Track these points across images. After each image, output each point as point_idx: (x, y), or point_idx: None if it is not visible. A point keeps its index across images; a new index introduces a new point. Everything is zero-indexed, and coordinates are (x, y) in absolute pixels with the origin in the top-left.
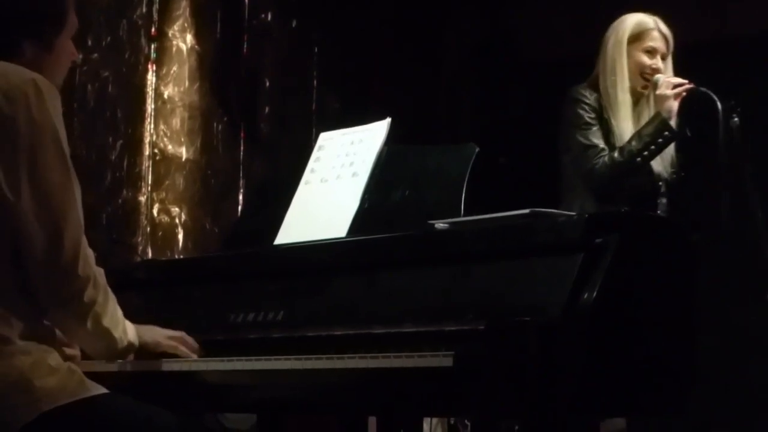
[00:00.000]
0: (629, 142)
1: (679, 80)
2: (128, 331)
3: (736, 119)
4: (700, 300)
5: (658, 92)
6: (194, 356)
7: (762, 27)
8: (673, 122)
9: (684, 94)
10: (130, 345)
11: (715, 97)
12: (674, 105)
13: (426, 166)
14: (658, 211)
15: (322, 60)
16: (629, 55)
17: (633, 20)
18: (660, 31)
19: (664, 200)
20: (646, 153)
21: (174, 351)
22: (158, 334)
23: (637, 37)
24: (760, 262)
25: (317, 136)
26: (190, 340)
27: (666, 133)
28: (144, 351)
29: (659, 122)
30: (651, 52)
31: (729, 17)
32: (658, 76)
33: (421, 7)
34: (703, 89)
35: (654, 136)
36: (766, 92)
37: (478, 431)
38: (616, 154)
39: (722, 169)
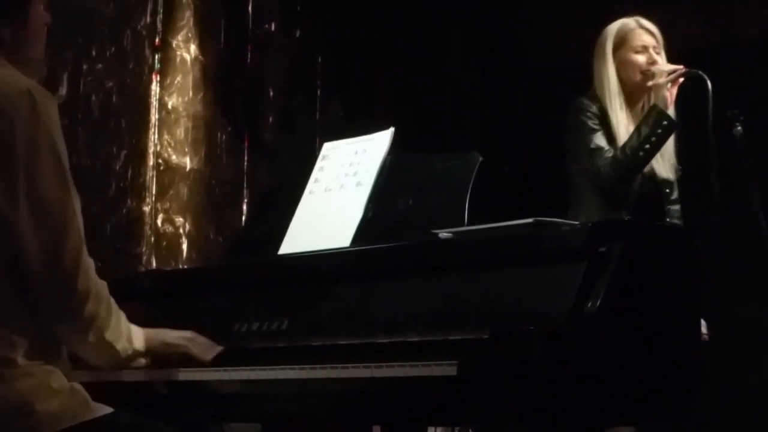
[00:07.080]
0: (630, 138)
1: (671, 67)
2: (134, 340)
3: (739, 128)
4: (705, 304)
5: (652, 83)
6: (205, 357)
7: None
8: (671, 111)
9: (679, 80)
10: (136, 352)
11: (705, 77)
12: (668, 93)
13: (429, 174)
14: (668, 219)
15: (325, 69)
16: (621, 61)
17: (614, 27)
18: (643, 27)
19: (674, 207)
20: (647, 146)
21: (184, 350)
22: (167, 336)
23: (623, 40)
24: (764, 265)
25: (321, 146)
26: (202, 339)
27: (664, 122)
28: (155, 354)
29: (655, 113)
30: (641, 50)
31: (735, 23)
32: (655, 66)
33: (423, 15)
34: (694, 70)
35: (653, 127)
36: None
37: None
38: (618, 153)
39: (711, 153)
